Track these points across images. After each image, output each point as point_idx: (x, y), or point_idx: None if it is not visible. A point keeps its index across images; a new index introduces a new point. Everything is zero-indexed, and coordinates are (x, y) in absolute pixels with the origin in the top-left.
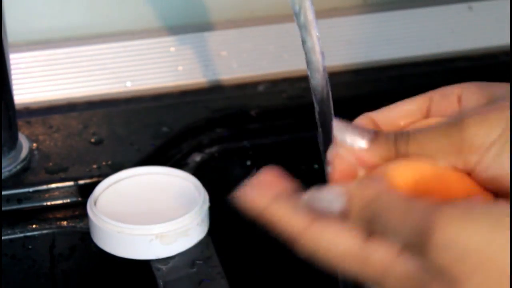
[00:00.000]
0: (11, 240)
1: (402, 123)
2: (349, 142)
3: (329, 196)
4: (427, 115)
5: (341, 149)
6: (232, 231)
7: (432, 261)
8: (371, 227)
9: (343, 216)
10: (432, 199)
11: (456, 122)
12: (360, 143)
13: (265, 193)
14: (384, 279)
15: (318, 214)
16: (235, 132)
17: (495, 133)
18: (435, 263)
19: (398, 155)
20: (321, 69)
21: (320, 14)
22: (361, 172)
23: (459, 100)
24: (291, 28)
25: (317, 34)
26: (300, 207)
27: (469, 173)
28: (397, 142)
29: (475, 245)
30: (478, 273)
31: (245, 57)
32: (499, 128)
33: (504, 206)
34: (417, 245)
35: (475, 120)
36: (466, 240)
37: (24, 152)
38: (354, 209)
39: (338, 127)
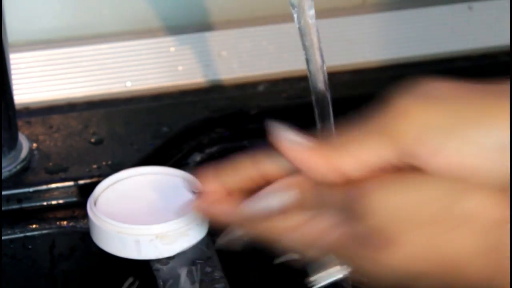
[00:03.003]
0: (11, 240)
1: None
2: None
3: (279, 193)
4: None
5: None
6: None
7: (367, 225)
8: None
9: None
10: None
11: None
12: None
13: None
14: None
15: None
16: (235, 132)
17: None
18: (371, 226)
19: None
20: (320, 69)
21: (320, 14)
22: None
23: None
24: (291, 28)
25: (317, 34)
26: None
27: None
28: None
29: (404, 205)
30: (409, 228)
31: (245, 57)
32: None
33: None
34: (352, 215)
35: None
36: (398, 202)
37: (24, 152)
38: (307, 196)
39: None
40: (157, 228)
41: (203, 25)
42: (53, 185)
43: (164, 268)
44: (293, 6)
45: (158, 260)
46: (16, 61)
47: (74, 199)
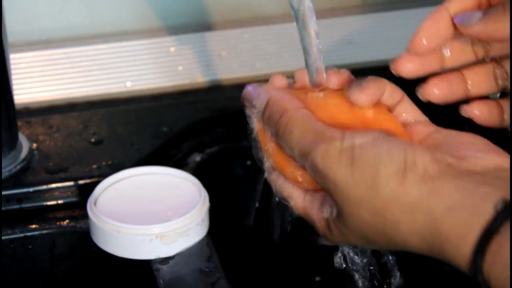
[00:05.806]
0: (11, 240)
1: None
2: None
3: (256, 97)
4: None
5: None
6: (232, 231)
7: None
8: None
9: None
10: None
11: None
12: None
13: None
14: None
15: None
16: (235, 132)
17: None
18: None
19: None
20: (319, 68)
21: (320, 14)
22: None
23: None
24: (291, 28)
25: (316, 34)
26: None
27: None
28: None
29: (328, 171)
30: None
31: (245, 57)
32: None
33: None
34: (303, 160)
35: None
36: (326, 169)
37: (24, 152)
38: (266, 115)
39: None
40: (157, 228)
41: (203, 25)
42: (53, 185)
43: (164, 268)
44: (293, 7)
45: (158, 260)
46: (16, 61)
47: (74, 199)
